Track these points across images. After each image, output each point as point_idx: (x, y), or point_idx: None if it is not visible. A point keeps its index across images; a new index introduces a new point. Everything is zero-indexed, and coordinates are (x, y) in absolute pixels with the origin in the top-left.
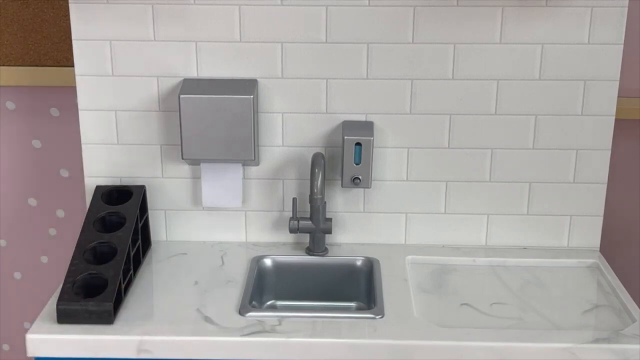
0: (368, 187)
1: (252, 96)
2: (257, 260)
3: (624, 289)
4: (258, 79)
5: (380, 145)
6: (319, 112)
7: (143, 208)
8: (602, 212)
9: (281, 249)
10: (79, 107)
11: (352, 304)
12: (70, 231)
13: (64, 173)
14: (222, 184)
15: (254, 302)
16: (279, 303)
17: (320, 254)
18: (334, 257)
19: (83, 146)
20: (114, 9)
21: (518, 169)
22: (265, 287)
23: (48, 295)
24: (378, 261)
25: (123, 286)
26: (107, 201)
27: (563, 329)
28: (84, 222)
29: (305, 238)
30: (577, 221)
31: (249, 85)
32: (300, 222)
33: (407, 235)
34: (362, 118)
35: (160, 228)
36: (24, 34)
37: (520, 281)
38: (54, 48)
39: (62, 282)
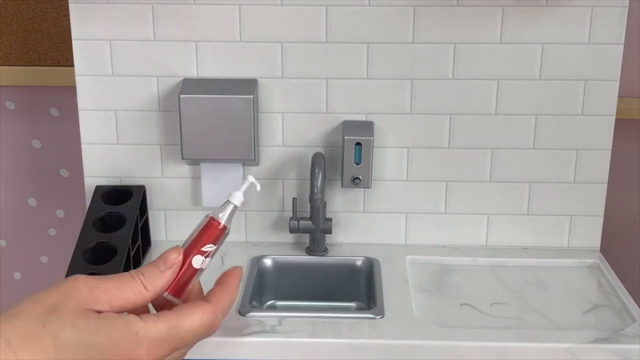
0: (368, 187)
1: (252, 96)
2: (257, 260)
3: (624, 289)
4: (258, 79)
5: (380, 145)
6: (319, 112)
7: (143, 208)
8: (602, 212)
9: (281, 249)
10: (79, 107)
11: (352, 304)
12: (70, 231)
13: (64, 173)
14: (222, 184)
15: (254, 302)
16: (279, 303)
17: (320, 254)
18: (334, 257)
19: (83, 146)
20: (114, 9)
21: (518, 169)
22: (265, 287)
23: None
24: (378, 261)
25: None
26: (107, 201)
27: (563, 329)
28: (84, 222)
29: (305, 238)
30: (577, 221)
31: (249, 85)
32: (300, 222)
33: (407, 235)
34: (362, 118)
35: (160, 228)
36: (24, 34)
37: (520, 281)
38: (54, 48)
39: None
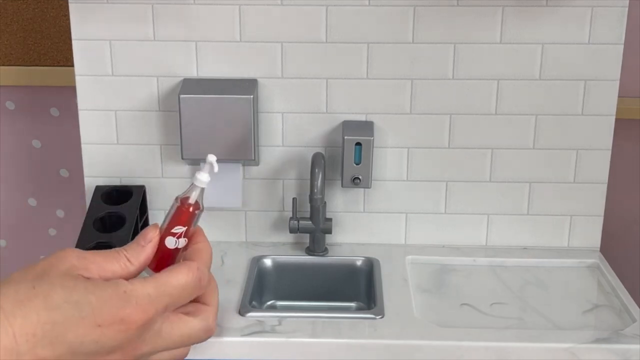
0: (368, 187)
1: (252, 96)
2: (257, 260)
3: (624, 289)
4: (258, 79)
5: (380, 145)
6: (319, 112)
7: (143, 208)
8: (602, 212)
9: (281, 249)
10: (79, 107)
11: (352, 304)
12: (70, 231)
13: (64, 173)
14: (222, 184)
15: (254, 302)
16: (279, 303)
17: (320, 254)
18: (334, 257)
19: (83, 146)
20: (113, 9)
21: (518, 169)
22: (265, 287)
23: None
24: (378, 261)
25: None
26: (107, 201)
27: (563, 329)
28: (84, 222)
29: (305, 238)
30: (577, 221)
31: (249, 85)
32: (300, 222)
33: (407, 235)
34: (362, 118)
35: None
36: (24, 34)
37: (520, 281)
38: (54, 48)
39: None
